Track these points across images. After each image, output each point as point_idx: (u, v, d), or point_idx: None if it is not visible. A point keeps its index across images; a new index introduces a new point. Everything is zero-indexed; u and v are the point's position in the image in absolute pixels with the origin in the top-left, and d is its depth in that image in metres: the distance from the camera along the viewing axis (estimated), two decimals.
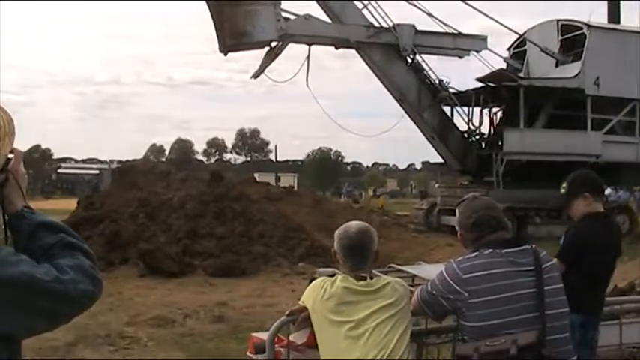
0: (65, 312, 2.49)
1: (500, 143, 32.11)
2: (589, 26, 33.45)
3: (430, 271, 5.31)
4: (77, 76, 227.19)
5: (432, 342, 5.49)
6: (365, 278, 4.34)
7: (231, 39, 29.17)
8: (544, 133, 32.67)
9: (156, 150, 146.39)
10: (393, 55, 31.52)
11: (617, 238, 6.63)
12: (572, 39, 33.89)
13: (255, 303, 15.54)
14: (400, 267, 6.75)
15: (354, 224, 4.57)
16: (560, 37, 34.21)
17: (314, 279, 4.71)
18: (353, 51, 31.74)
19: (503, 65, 35.09)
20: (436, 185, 49.50)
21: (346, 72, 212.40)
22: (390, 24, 31.48)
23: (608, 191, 37.17)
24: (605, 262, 5.94)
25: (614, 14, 38.84)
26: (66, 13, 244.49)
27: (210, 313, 14.24)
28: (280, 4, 29.50)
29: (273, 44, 30.15)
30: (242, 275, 19.52)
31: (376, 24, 31.45)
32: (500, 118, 33.51)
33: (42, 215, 2.61)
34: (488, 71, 33.46)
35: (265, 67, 30.59)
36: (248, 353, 4.93)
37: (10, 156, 2.51)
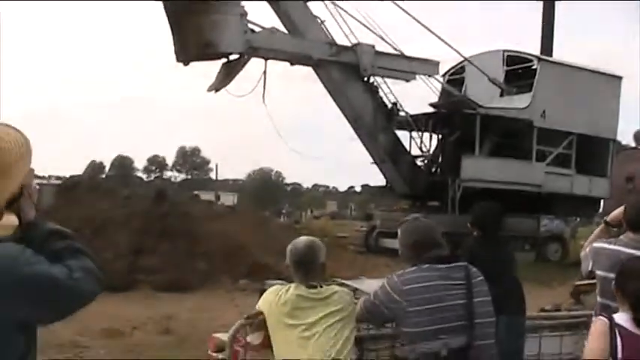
0: (73, 306, 2.90)
1: (453, 169, 32.56)
2: (539, 59, 34.53)
3: (370, 284, 5.77)
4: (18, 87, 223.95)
5: (371, 347, 6.04)
6: (315, 287, 4.87)
7: (195, 49, 28.36)
8: (497, 162, 33.27)
9: (96, 166, 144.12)
10: (352, 74, 31.37)
11: (509, 253, 8.11)
12: (517, 70, 34.82)
13: (200, 317, 15.74)
14: (343, 281, 7.29)
15: (302, 239, 5.10)
16: (505, 68, 34.85)
17: (264, 290, 5.22)
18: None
19: (436, 90, 35.68)
20: (374, 208, 49.98)
21: (285, 94, 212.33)
22: (352, 42, 31.43)
23: (544, 221, 38.06)
24: (496, 268, 6.59)
25: (549, 14, 40.03)
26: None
27: (157, 326, 14.61)
28: (247, 15, 28.82)
29: (232, 57, 29.49)
30: (186, 290, 19.87)
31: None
32: (454, 145, 33.89)
33: (51, 224, 3.03)
34: (429, 96, 34.17)
35: (229, 82, 29.63)
36: (209, 352, 5.43)
37: None
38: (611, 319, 4.09)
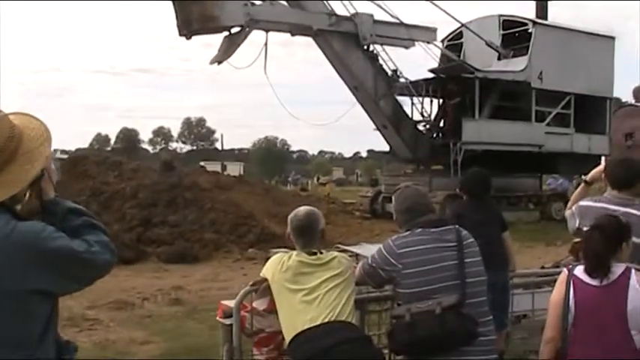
0: (91, 276, 3.23)
1: (455, 133, 32.79)
2: (534, 23, 34.59)
3: (370, 250, 6.06)
4: (16, 64, 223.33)
5: (373, 309, 6.35)
6: (315, 253, 5.15)
7: (197, 22, 28.35)
8: (497, 124, 33.62)
9: (101, 139, 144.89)
10: (352, 43, 31.50)
11: (494, 214, 8.37)
12: (514, 34, 34.97)
13: (209, 287, 16.06)
14: (345, 247, 7.62)
15: (302, 209, 5.42)
16: (502, 32, 35.10)
17: (269, 258, 5.53)
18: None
19: (435, 56, 35.90)
20: (380, 174, 50.23)
21: (288, 62, 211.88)
22: (351, 12, 31.45)
23: (549, 180, 37.98)
24: (480, 227, 6.80)
25: (541, 9, 40.07)
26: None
27: (167, 297, 14.84)
28: None
29: (234, 30, 29.46)
30: (195, 261, 20.15)
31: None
32: (454, 109, 34.18)
33: (69, 202, 3.35)
34: (428, 62, 34.35)
35: (231, 54, 29.46)
36: (218, 318, 5.73)
37: None
38: (570, 270, 4.42)
